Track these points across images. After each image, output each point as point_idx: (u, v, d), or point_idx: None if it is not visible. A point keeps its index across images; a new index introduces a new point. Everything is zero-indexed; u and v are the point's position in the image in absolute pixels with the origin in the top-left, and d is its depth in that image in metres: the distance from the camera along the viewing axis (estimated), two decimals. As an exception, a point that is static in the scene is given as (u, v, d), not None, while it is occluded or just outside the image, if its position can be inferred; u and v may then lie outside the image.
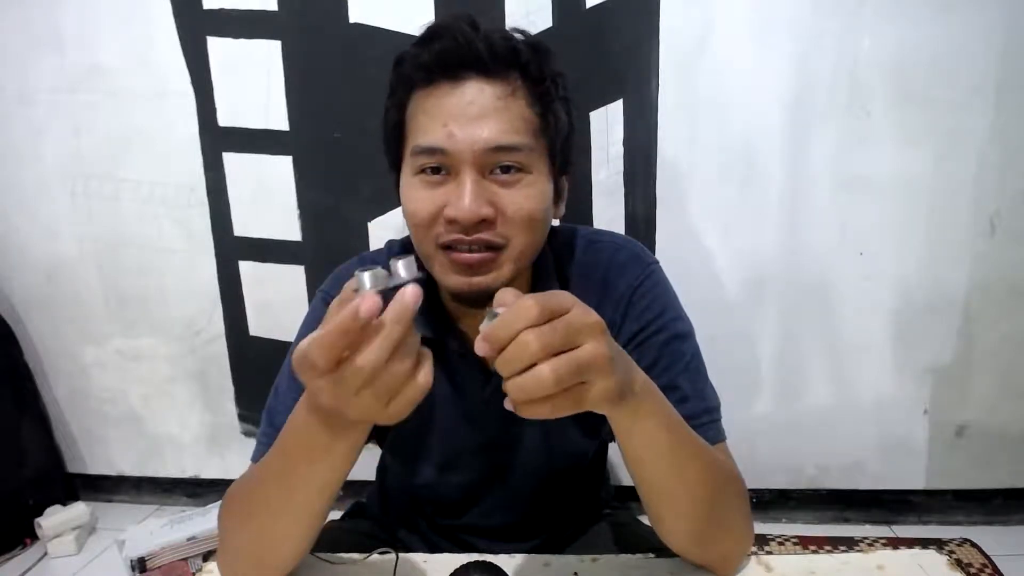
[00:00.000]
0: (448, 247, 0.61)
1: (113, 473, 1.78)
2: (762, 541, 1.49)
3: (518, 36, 0.63)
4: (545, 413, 0.43)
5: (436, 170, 0.61)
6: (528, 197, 0.61)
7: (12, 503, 1.60)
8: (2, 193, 1.59)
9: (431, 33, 0.62)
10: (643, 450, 0.54)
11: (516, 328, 0.42)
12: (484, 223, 0.60)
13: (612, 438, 0.58)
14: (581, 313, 0.44)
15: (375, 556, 0.67)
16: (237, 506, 0.63)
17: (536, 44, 0.64)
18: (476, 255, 0.60)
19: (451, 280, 0.63)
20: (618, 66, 1.35)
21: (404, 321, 0.42)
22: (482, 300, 0.63)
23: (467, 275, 0.62)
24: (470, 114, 0.59)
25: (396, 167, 0.68)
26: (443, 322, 0.70)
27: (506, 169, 0.61)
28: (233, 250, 1.55)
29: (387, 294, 0.42)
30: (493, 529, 0.79)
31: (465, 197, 0.59)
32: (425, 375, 0.44)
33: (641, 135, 1.38)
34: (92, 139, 1.52)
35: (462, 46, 0.60)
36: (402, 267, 0.43)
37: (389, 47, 1.37)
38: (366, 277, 0.42)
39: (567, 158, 0.68)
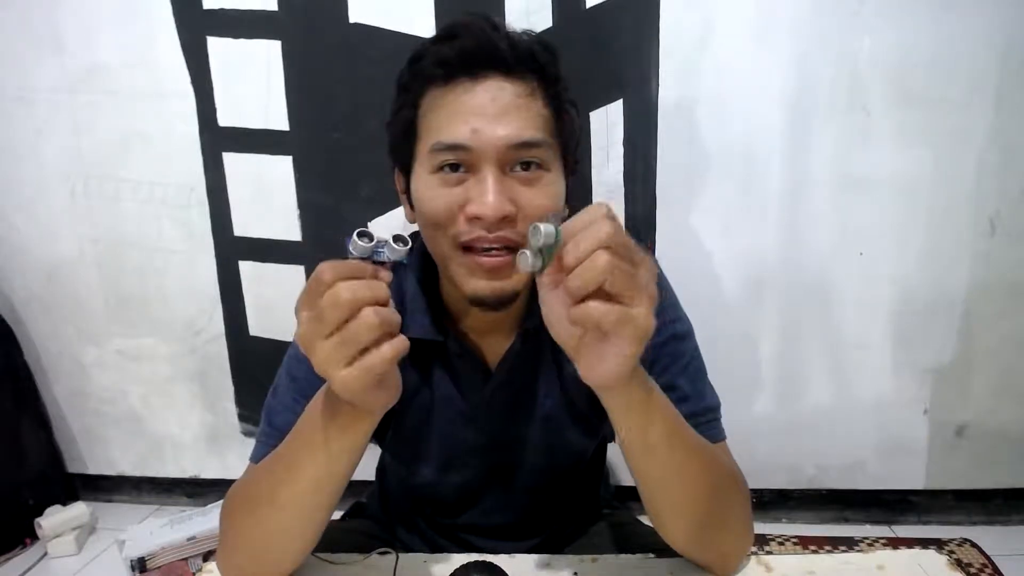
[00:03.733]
0: (468, 248, 0.60)
1: (113, 473, 1.78)
2: (762, 541, 1.49)
3: (531, 38, 0.64)
4: (580, 309, 0.44)
5: (455, 167, 0.60)
6: (547, 196, 0.62)
7: (12, 503, 1.60)
8: (2, 193, 1.59)
9: (452, 31, 0.62)
10: (642, 442, 0.55)
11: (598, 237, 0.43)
12: (506, 220, 0.59)
13: (612, 438, 0.58)
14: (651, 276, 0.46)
15: (375, 556, 0.67)
16: (240, 501, 0.63)
17: (550, 47, 0.65)
18: (498, 258, 0.60)
19: (472, 284, 0.62)
20: (618, 66, 1.35)
21: (384, 286, 0.47)
22: (501, 303, 0.63)
23: (488, 279, 0.61)
24: (493, 111, 0.59)
25: (406, 167, 0.66)
26: (443, 323, 0.70)
27: (526, 166, 0.61)
28: (233, 250, 1.55)
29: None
30: (493, 528, 0.79)
31: (489, 194, 0.58)
32: (391, 347, 0.46)
33: (641, 135, 1.38)
34: (92, 139, 1.52)
35: (484, 45, 0.60)
36: (391, 249, 0.49)
37: (389, 47, 1.39)
38: (386, 249, 0.49)
39: (576, 159, 0.69)
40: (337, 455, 0.54)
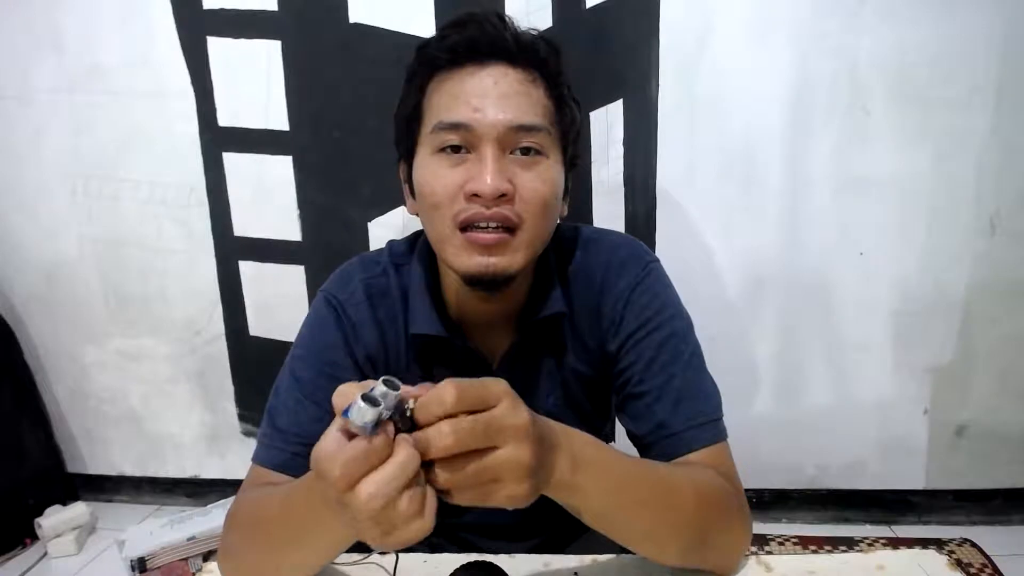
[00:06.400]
0: (465, 227, 0.62)
1: (113, 473, 1.78)
2: (762, 541, 1.49)
3: (533, 33, 0.67)
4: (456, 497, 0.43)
5: (456, 148, 0.62)
6: (544, 180, 0.63)
7: (12, 503, 1.60)
8: (2, 193, 1.59)
9: (460, 20, 0.64)
10: (594, 516, 0.53)
11: (433, 414, 0.40)
12: (503, 198, 0.61)
13: (613, 438, 0.58)
14: (507, 411, 0.42)
15: (375, 556, 0.67)
16: (243, 526, 0.62)
17: (552, 42, 0.67)
18: (493, 235, 0.61)
19: (467, 261, 0.63)
20: (618, 66, 1.35)
21: (417, 459, 0.40)
22: (494, 283, 0.63)
23: (484, 255, 0.62)
24: (495, 94, 0.62)
25: (408, 154, 0.68)
26: (446, 320, 0.70)
27: (525, 151, 0.62)
28: (233, 250, 1.55)
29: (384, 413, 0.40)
30: (493, 528, 0.79)
31: (487, 172, 0.60)
32: (430, 517, 0.42)
33: (641, 135, 1.38)
34: (92, 139, 1.52)
35: (490, 34, 0.62)
36: (386, 405, 0.39)
37: (389, 47, 1.39)
38: (382, 405, 0.39)
39: (576, 153, 0.70)
40: (329, 534, 0.52)
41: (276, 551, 0.57)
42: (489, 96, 0.61)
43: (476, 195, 0.60)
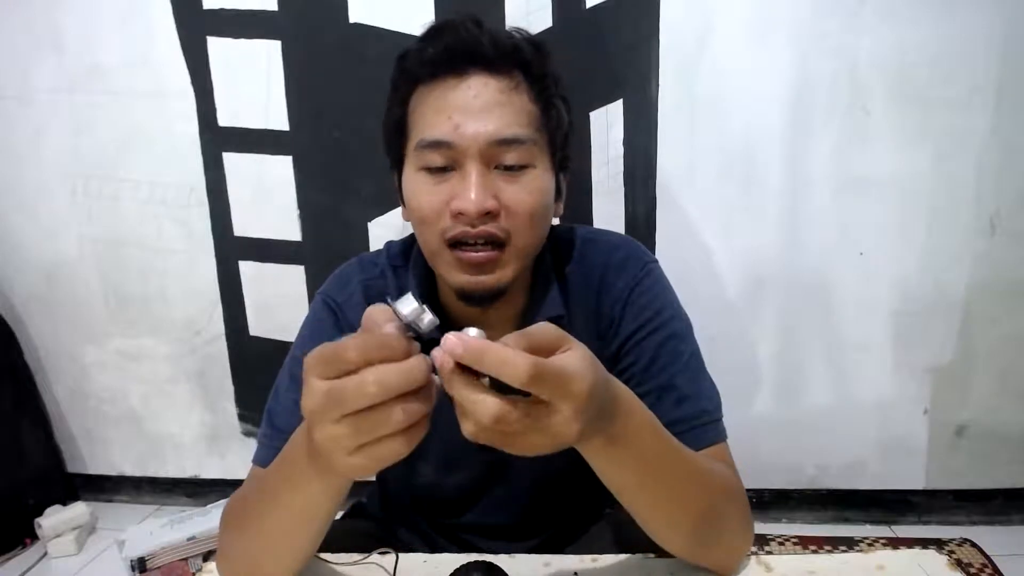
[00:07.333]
0: (454, 244, 0.62)
1: (113, 473, 1.78)
2: (762, 541, 1.49)
3: (519, 35, 0.65)
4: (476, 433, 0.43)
5: (442, 169, 0.62)
6: (531, 192, 0.62)
7: (12, 503, 1.60)
8: (2, 193, 1.59)
9: (436, 30, 0.64)
10: (618, 485, 0.53)
11: (496, 372, 0.39)
12: (489, 215, 0.60)
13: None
14: (562, 421, 0.42)
15: (375, 556, 0.67)
16: (235, 515, 0.63)
17: (537, 43, 0.65)
18: (482, 254, 0.61)
19: (457, 278, 0.63)
20: (618, 66, 1.35)
21: (426, 376, 0.40)
22: (486, 299, 0.64)
23: (472, 273, 0.62)
24: (475, 107, 0.60)
25: (398, 164, 0.68)
26: (443, 321, 0.70)
27: (509, 168, 0.62)
28: (233, 250, 1.55)
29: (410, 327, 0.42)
30: (493, 528, 0.79)
31: (471, 190, 0.59)
32: (407, 442, 0.41)
33: (641, 135, 1.38)
34: (92, 139, 1.52)
35: (467, 42, 0.61)
36: (426, 323, 0.42)
37: (389, 47, 1.38)
38: (426, 318, 0.42)
39: (566, 155, 0.70)
40: (316, 495, 0.52)
41: (257, 520, 0.57)
42: (470, 110, 0.60)
43: (461, 213, 0.60)
